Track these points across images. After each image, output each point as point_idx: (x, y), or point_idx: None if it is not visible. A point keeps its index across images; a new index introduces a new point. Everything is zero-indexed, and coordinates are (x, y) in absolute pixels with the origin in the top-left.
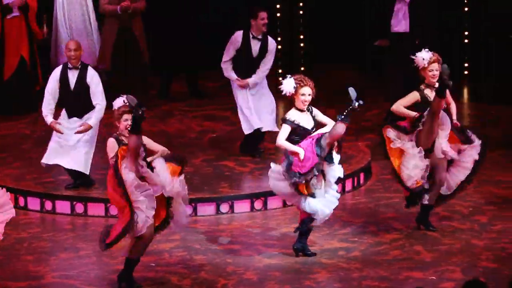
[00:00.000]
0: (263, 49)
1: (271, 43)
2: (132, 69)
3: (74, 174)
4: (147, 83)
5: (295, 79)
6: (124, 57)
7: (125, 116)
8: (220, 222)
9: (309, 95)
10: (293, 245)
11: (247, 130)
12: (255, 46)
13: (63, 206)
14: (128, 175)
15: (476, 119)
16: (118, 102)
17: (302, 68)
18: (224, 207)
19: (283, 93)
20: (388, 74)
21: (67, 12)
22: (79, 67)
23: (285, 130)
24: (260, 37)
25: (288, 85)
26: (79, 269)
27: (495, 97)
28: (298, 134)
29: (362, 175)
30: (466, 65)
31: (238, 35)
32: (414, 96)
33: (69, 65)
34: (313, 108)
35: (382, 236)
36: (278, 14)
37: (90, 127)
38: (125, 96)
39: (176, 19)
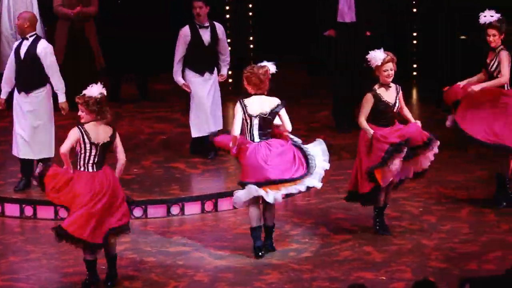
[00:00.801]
0: (214, 36)
1: (219, 27)
2: (84, 71)
3: (27, 171)
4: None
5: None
6: (75, 59)
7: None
8: (171, 224)
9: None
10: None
11: (195, 134)
12: (205, 34)
13: (12, 209)
14: None
15: (425, 120)
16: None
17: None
18: (175, 209)
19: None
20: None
21: (12, 13)
22: (28, 37)
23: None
24: (206, 24)
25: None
26: (28, 272)
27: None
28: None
29: None
30: (415, 66)
31: (185, 29)
32: (368, 100)
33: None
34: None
35: (333, 237)
36: (227, 7)
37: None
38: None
39: (125, 23)
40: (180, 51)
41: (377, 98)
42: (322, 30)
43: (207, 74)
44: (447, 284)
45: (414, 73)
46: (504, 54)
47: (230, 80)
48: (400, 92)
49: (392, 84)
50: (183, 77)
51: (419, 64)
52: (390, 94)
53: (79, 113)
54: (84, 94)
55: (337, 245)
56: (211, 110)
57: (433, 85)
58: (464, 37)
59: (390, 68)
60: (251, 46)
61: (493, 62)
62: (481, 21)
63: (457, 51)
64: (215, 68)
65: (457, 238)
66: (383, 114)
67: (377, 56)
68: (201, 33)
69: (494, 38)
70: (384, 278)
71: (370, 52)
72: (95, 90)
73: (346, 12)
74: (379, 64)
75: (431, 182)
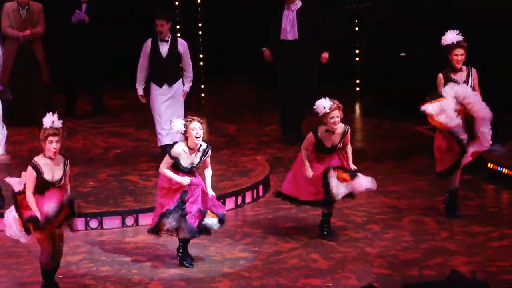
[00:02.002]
0: (173, 50)
1: (181, 43)
2: (32, 88)
3: None
4: (51, 102)
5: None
6: (23, 76)
7: (50, 139)
8: (126, 234)
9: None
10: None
11: (160, 143)
12: (164, 47)
13: None
14: None
15: (368, 133)
16: (46, 122)
17: (202, 86)
18: (129, 220)
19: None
20: (278, 82)
21: None
22: None
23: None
24: (167, 39)
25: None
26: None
27: (386, 112)
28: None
29: (261, 188)
30: (357, 81)
31: (147, 42)
32: (310, 139)
33: None
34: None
35: (281, 245)
36: (178, 26)
37: None
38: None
39: (80, 42)
40: (140, 62)
41: (318, 142)
42: (266, 47)
43: (165, 86)
44: None
45: (357, 88)
46: (475, 71)
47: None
48: (348, 133)
49: (341, 127)
50: (148, 88)
51: (362, 80)
52: (334, 138)
53: (54, 146)
54: (53, 127)
55: (285, 253)
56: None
57: (375, 99)
58: (404, 54)
59: (336, 116)
60: (201, 63)
61: (469, 80)
62: (447, 41)
63: (397, 67)
64: (178, 82)
65: (399, 246)
66: (324, 151)
67: (323, 104)
68: (160, 46)
69: (462, 57)
70: (330, 284)
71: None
72: (55, 119)
73: (289, 30)
74: (327, 111)
75: (374, 192)
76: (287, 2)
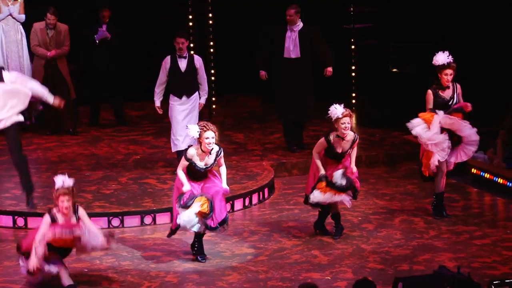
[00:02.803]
0: (190, 65)
1: (197, 60)
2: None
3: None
4: (78, 113)
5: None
6: (51, 90)
7: (61, 198)
8: (144, 232)
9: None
10: None
11: (175, 148)
12: (182, 63)
13: (6, 220)
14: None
15: (362, 141)
16: (58, 183)
17: (213, 99)
18: (148, 219)
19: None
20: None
21: (5, 50)
22: None
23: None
24: (185, 55)
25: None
26: (22, 275)
27: (378, 123)
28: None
29: (266, 190)
30: (353, 94)
31: (167, 58)
32: (322, 144)
33: None
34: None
35: (285, 242)
36: (192, 45)
37: None
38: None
39: (103, 59)
40: (160, 76)
41: (330, 147)
42: (264, 64)
43: (184, 98)
44: (383, 282)
45: (353, 101)
46: (459, 86)
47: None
48: (357, 141)
49: (350, 134)
50: (169, 99)
51: (357, 92)
52: (344, 145)
53: (66, 205)
54: (64, 186)
55: (288, 249)
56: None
57: (369, 111)
58: (396, 70)
59: (347, 122)
60: (213, 78)
61: (455, 96)
62: (439, 62)
63: (389, 81)
64: (195, 94)
65: (391, 243)
66: (335, 157)
67: (337, 110)
68: (179, 62)
69: (451, 77)
70: (329, 277)
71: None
72: (66, 178)
73: (292, 49)
74: (339, 116)
75: (368, 195)
76: (290, 24)
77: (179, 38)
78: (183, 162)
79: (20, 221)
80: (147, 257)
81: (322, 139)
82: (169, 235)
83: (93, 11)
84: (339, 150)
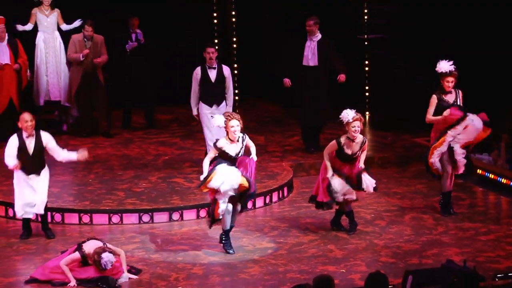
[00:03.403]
0: (219, 76)
1: (226, 69)
2: (96, 106)
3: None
4: (111, 116)
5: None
6: (88, 96)
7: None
8: (172, 227)
9: (358, 127)
10: None
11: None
12: (212, 74)
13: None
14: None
15: (375, 144)
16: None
17: (237, 104)
18: (176, 216)
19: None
20: (300, 101)
21: (45, 60)
22: (34, 134)
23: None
24: (214, 66)
25: (347, 114)
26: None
27: (390, 126)
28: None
29: (285, 189)
30: (367, 100)
31: (197, 69)
32: (333, 145)
33: (25, 134)
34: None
35: (302, 237)
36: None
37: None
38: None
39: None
40: (193, 86)
41: (340, 148)
42: (290, 72)
43: (215, 106)
44: (394, 275)
45: (366, 106)
46: (461, 92)
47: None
48: (366, 143)
49: (360, 137)
50: (199, 108)
51: (370, 98)
52: (354, 147)
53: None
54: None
55: (306, 244)
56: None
57: (381, 115)
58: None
59: (357, 126)
60: (236, 85)
61: (457, 101)
62: (442, 69)
63: (400, 88)
64: (223, 102)
65: (402, 238)
66: (344, 159)
67: (348, 113)
68: (209, 73)
69: (453, 83)
70: (343, 270)
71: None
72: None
73: (310, 57)
74: (350, 120)
75: (380, 193)
76: (310, 34)
77: (209, 48)
78: (213, 151)
79: (57, 217)
80: (175, 250)
81: (334, 141)
82: (211, 226)
83: (123, 20)
84: (349, 152)
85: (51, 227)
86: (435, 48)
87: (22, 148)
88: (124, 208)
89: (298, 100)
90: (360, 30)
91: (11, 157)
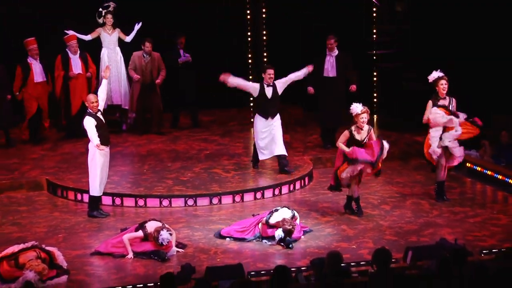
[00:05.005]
0: (275, 93)
1: (279, 87)
2: (152, 111)
3: None
4: (162, 118)
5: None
6: (146, 103)
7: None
8: (212, 210)
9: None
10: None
11: (261, 157)
12: (269, 92)
13: (106, 200)
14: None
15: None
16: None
17: None
18: (215, 200)
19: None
20: (320, 106)
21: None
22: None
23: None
24: (271, 84)
25: (356, 107)
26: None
27: (394, 127)
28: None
29: (307, 179)
30: (374, 105)
31: (257, 85)
32: (345, 135)
33: (91, 111)
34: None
35: (320, 219)
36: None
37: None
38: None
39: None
40: (243, 83)
41: (351, 135)
42: (312, 82)
43: (270, 118)
44: (396, 250)
45: (374, 110)
46: (455, 100)
47: None
48: (371, 130)
49: (366, 126)
50: (255, 118)
51: (378, 104)
52: (362, 134)
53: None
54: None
55: (323, 224)
56: (266, 143)
57: (387, 118)
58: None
59: (365, 117)
60: None
61: (450, 106)
62: (434, 77)
63: (402, 96)
64: (277, 115)
65: (403, 220)
66: (356, 144)
67: (357, 107)
68: (266, 90)
69: (446, 87)
70: (354, 246)
71: (352, 103)
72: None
73: (330, 69)
74: (358, 112)
75: (385, 182)
76: (329, 50)
77: (269, 70)
78: (345, 134)
79: (117, 201)
80: (214, 229)
81: (346, 131)
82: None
83: (171, 39)
84: (359, 138)
85: (111, 208)
86: (433, 60)
87: (98, 123)
88: (172, 194)
89: (319, 105)
90: (369, 46)
91: (96, 135)
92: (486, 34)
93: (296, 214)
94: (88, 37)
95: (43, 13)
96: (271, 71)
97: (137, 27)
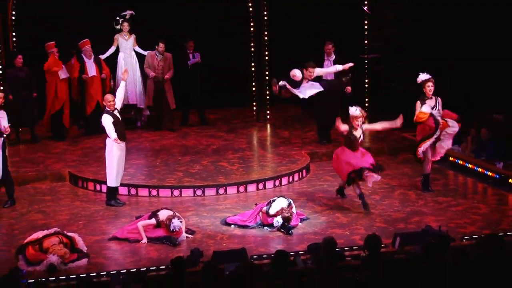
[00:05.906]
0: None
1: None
2: (161, 107)
3: None
4: (173, 116)
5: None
6: (159, 101)
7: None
8: (219, 199)
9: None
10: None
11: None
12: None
13: (122, 190)
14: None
15: (372, 137)
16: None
17: (268, 107)
18: (221, 190)
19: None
20: (316, 107)
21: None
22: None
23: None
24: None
25: (354, 110)
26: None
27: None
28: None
29: (304, 171)
30: (366, 104)
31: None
32: (345, 127)
33: (109, 109)
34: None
35: (316, 208)
36: (253, 64)
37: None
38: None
39: (192, 79)
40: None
41: (350, 132)
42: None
43: None
44: (385, 236)
45: (366, 109)
46: (440, 99)
47: None
48: (364, 127)
49: (359, 128)
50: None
51: (369, 103)
52: (357, 132)
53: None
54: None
55: (319, 213)
56: None
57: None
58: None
59: (360, 120)
60: (267, 92)
61: (437, 105)
62: (422, 79)
63: (391, 95)
64: None
65: (392, 209)
66: (352, 142)
67: (355, 110)
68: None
69: (432, 88)
70: (347, 232)
71: (350, 107)
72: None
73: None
74: (356, 115)
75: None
76: (327, 55)
77: (311, 67)
78: (343, 126)
79: (133, 191)
80: (220, 217)
81: (346, 124)
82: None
83: (180, 43)
84: (356, 135)
85: (127, 198)
86: (420, 64)
87: (115, 120)
88: (182, 185)
89: (316, 104)
90: (361, 50)
91: (113, 130)
92: (472, 35)
93: (292, 202)
94: (112, 48)
95: (43, 13)
96: (312, 69)
97: (138, 49)
